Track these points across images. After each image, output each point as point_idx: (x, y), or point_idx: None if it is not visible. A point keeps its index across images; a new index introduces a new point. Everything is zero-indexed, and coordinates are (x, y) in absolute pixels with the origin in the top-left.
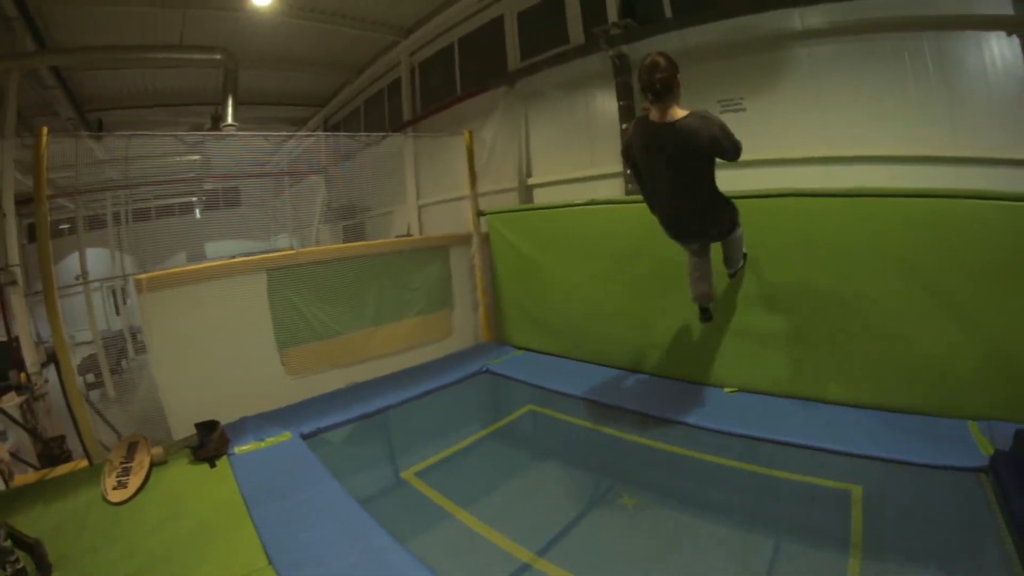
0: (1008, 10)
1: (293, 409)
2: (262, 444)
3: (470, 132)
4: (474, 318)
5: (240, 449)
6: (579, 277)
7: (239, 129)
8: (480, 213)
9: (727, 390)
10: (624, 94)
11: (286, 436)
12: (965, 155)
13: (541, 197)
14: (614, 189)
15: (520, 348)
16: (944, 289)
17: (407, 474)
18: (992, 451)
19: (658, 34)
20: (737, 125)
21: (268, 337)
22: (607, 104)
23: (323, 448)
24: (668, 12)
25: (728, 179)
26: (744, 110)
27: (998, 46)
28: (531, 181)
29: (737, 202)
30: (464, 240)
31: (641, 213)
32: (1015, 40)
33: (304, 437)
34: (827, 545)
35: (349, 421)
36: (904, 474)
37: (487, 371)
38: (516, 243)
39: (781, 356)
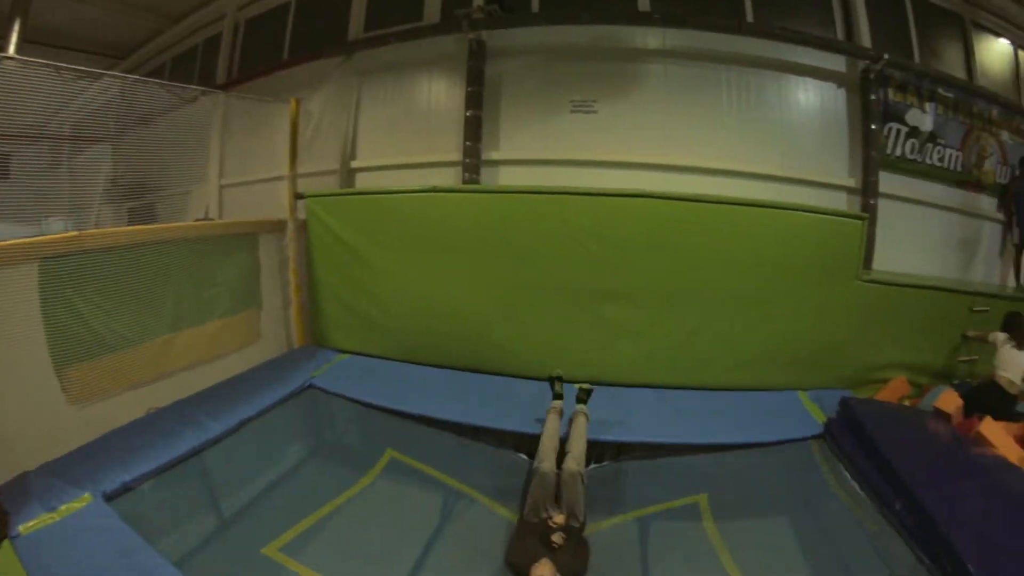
0: (842, 67)
1: (86, 454)
2: (55, 516)
3: (297, 101)
4: (285, 319)
5: (26, 527)
6: (414, 271)
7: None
8: (298, 196)
9: (578, 386)
10: (475, 80)
11: (85, 499)
12: (791, 176)
13: (364, 182)
14: (449, 178)
15: (342, 351)
16: (767, 284)
17: (270, 550)
18: (824, 419)
19: (522, 26)
20: (586, 125)
21: (41, 353)
22: (453, 89)
23: (137, 512)
24: (536, 7)
25: (572, 176)
26: (596, 112)
27: (828, 93)
28: (355, 164)
29: (582, 199)
30: (276, 227)
31: (489, 203)
32: (843, 91)
33: (108, 498)
34: (697, 555)
35: (162, 469)
36: (747, 457)
37: (311, 386)
38: (341, 232)
39: (631, 348)
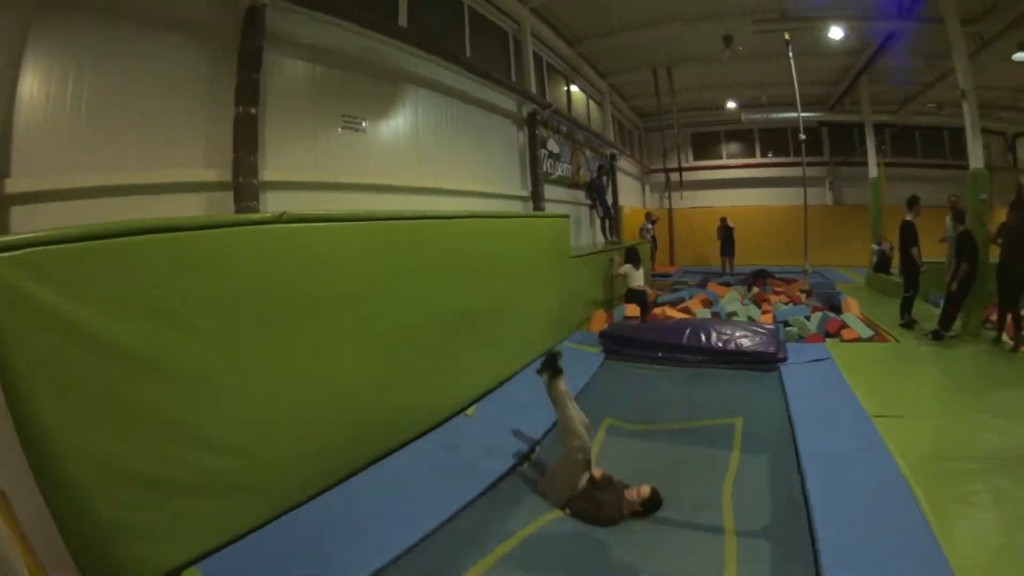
0: (513, 106)
1: None
2: None
3: None
4: None
5: None
6: (268, 357)
7: None
8: None
9: (468, 413)
10: (250, 63)
11: None
12: (499, 192)
13: (41, 216)
14: (198, 207)
15: None
16: (534, 274)
17: None
18: (599, 349)
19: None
20: (354, 144)
21: None
22: (215, 72)
23: None
24: None
25: (343, 200)
26: (364, 131)
27: (511, 128)
28: (14, 186)
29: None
30: None
31: (358, 234)
32: (516, 127)
33: None
34: None
35: None
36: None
37: None
38: (88, 325)
39: (494, 356)
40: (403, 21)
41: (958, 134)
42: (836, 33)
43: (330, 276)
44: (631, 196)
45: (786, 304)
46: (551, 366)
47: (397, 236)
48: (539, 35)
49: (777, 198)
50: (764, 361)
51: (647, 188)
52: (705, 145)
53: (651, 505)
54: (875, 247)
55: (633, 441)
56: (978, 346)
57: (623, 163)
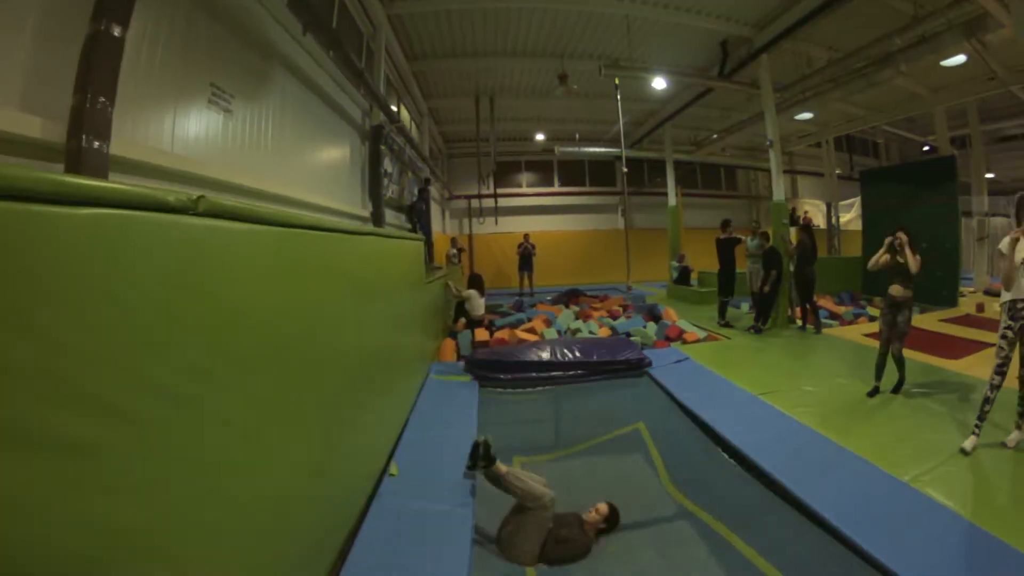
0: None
1: None
2: None
3: None
4: None
5: None
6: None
7: None
8: None
9: (392, 473)
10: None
11: None
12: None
13: None
14: None
15: None
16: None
17: None
18: (469, 378)
19: None
20: (215, 125)
21: None
22: None
23: None
24: None
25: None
26: (231, 113)
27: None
28: None
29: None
30: None
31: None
32: (366, 145)
33: None
34: None
35: None
36: None
37: None
38: None
39: (379, 407)
40: None
41: (731, 170)
42: (659, 83)
43: (239, 295)
44: (435, 222)
45: (605, 317)
46: (485, 457)
47: (301, 250)
48: (389, 45)
49: (573, 224)
50: (634, 368)
51: (447, 214)
52: (506, 174)
53: (613, 518)
54: (675, 264)
55: (554, 470)
56: (790, 334)
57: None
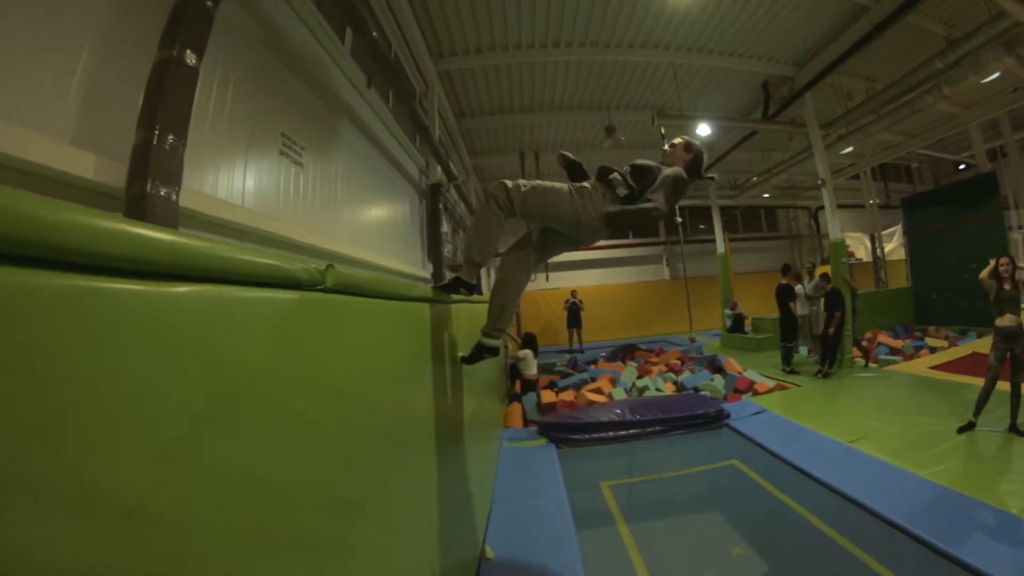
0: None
1: None
2: None
3: None
4: None
5: None
6: None
7: None
8: None
9: (488, 557)
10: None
11: None
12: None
13: None
14: None
15: None
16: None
17: None
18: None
19: None
20: (286, 179)
21: None
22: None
23: None
24: None
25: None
26: (303, 167)
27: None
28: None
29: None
30: None
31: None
32: (424, 203)
33: None
34: None
35: None
36: None
37: None
38: None
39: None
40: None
41: (771, 211)
42: (704, 130)
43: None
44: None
45: (666, 372)
46: (489, 349)
47: (413, 322)
48: (440, 102)
49: (618, 277)
50: (714, 420)
51: (491, 273)
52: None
53: (696, 155)
54: (728, 311)
55: (642, 490)
56: (852, 372)
57: None
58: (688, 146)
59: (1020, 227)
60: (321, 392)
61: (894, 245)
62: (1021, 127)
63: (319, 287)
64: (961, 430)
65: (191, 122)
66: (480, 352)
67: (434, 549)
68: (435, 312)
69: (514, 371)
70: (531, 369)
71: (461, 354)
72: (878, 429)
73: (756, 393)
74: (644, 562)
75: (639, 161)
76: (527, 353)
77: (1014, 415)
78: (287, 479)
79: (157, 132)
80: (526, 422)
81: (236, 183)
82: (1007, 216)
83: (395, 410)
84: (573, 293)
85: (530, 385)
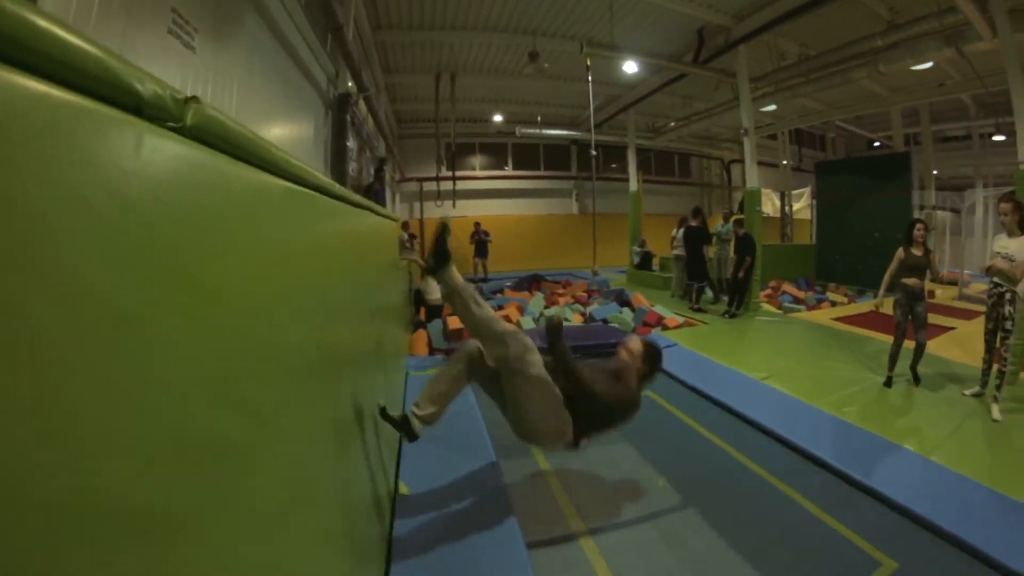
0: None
1: None
2: None
3: None
4: None
5: None
6: None
7: None
8: None
9: (403, 491)
10: None
11: None
12: None
13: None
14: None
15: None
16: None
17: None
18: None
19: None
20: (173, 61)
21: None
22: None
23: None
24: None
25: None
26: (194, 50)
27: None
28: None
29: None
30: None
31: None
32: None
33: None
34: None
35: None
36: None
37: None
38: None
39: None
40: None
41: (685, 158)
42: (631, 67)
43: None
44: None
45: (573, 304)
46: (442, 252)
47: (309, 216)
48: (357, 6)
49: (527, 208)
50: None
51: (397, 197)
52: (460, 156)
53: (653, 354)
54: (637, 249)
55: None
56: (763, 318)
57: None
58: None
59: (922, 207)
60: (174, 288)
61: (801, 205)
62: (937, 120)
63: (172, 123)
64: (887, 383)
65: None
66: (399, 427)
67: (344, 486)
68: (337, 210)
69: (418, 297)
70: (435, 294)
71: (381, 404)
72: (787, 369)
73: (666, 328)
74: (570, 500)
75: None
76: (427, 279)
77: (915, 366)
78: None
79: None
80: (432, 350)
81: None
82: (913, 195)
83: (282, 321)
84: (476, 225)
85: (435, 311)
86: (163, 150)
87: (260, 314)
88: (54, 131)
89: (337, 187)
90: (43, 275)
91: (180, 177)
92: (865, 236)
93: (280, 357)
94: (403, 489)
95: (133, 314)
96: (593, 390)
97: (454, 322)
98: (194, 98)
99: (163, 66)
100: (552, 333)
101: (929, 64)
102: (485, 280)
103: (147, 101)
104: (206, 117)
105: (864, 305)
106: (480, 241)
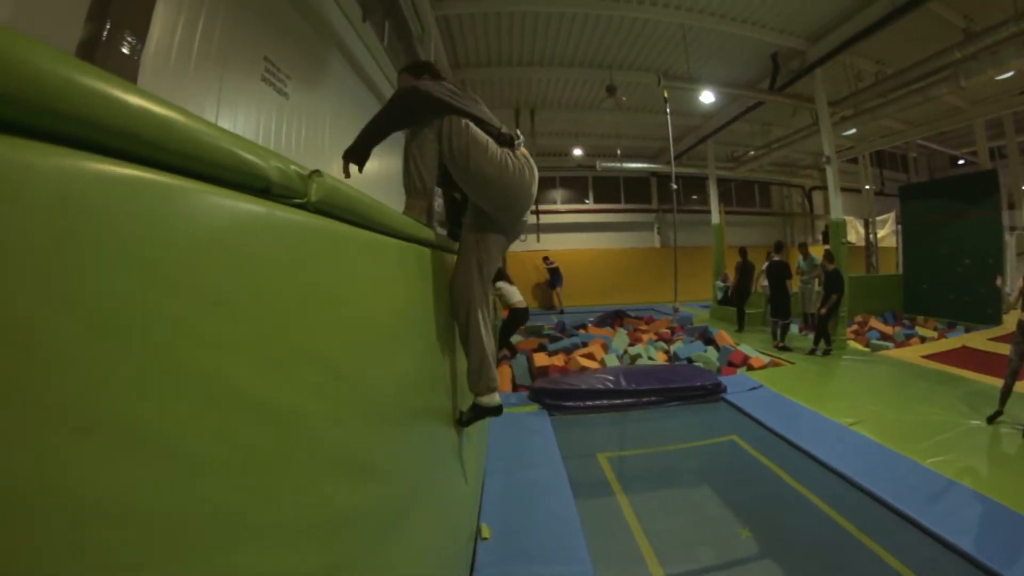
0: None
1: None
2: None
3: None
4: None
5: None
6: None
7: None
8: None
9: (484, 537)
10: None
11: None
12: None
13: None
14: None
15: None
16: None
17: None
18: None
19: None
20: (271, 110)
21: None
22: None
23: None
24: None
25: None
26: (287, 96)
27: None
28: None
29: None
30: None
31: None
32: None
33: None
34: None
35: None
36: None
37: None
38: None
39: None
40: None
41: (765, 187)
42: (707, 97)
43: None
44: None
45: (656, 341)
46: (491, 410)
47: (409, 265)
48: (436, 46)
49: (607, 242)
50: (711, 393)
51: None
52: (541, 190)
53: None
54: (720, 284)
55: (642, 464)
56: (850, 357)
57: None
58: None
59: (1013, 228)
60: (293, 359)
61: (886, 232)
62: (1022, 130)
63: (297, 201)
64: (990, 419)
65: (153, 21)
66: (480, 414)
67: (427, 529)
68: (435, 259)
69: (504, 333)
70: (514, 295)
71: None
72: (876, 413)
73: (751, 368)
74: (650, 544)
75: None
76: (500, 285)
77: None
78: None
79: (108, 27)
80: (515, 386)
81: (208, 104)
82: (1005, 216)
83: (385, 376)
84: (546, 259)
85: (519, 314)
86: (291, 228)
87: (376, 385)
88: (196, 227)
89: (435, 235)
90: (186, 377)
91: (308, 254)
92: (954, 263)
93: (395, 420)
94: (485, 532)
95: (282, 411)
96: None
97: (540, 359)
98: (316, 172)
99: (258, 113)
100: None
101: (1010, 73)
102: (561, 312)
103: (275, 182)
104: (329, 190)
105: (953, 340)
106: (551, 269)
